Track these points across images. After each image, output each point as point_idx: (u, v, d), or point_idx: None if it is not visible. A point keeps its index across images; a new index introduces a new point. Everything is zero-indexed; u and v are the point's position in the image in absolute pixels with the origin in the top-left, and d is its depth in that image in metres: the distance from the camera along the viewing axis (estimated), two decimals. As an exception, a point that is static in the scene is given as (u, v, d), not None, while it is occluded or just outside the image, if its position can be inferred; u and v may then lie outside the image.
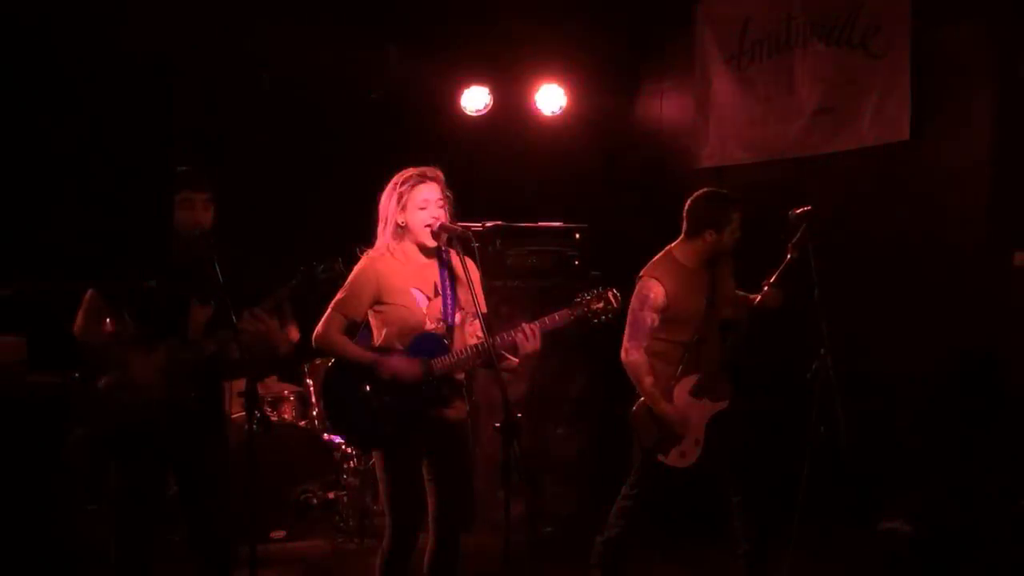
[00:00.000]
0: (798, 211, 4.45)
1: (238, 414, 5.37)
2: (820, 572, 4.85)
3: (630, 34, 7.01)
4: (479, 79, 6.90)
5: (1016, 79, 5.05)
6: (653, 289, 4.48)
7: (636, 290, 4.52)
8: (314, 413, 6.02)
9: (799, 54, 6.01)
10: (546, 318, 3.92)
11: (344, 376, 3.97)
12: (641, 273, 4.56)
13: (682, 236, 4.60)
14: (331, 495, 5.81)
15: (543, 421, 5.97)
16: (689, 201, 4.60)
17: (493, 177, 6.71)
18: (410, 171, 4.00)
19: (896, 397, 5.33)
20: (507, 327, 3.93)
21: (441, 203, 3.97)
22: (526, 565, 4.88)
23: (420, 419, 3.93)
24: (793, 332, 4.71)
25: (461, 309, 4.04)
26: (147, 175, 4.13)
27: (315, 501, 5.75)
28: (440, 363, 3.93)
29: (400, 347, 3.95)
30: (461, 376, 4.05)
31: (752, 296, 4.62)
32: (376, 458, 4.02)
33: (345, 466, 5.86)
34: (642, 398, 4.52)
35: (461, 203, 4.13)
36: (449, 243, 3.99)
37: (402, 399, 3.91)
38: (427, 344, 3.95)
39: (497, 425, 3.60)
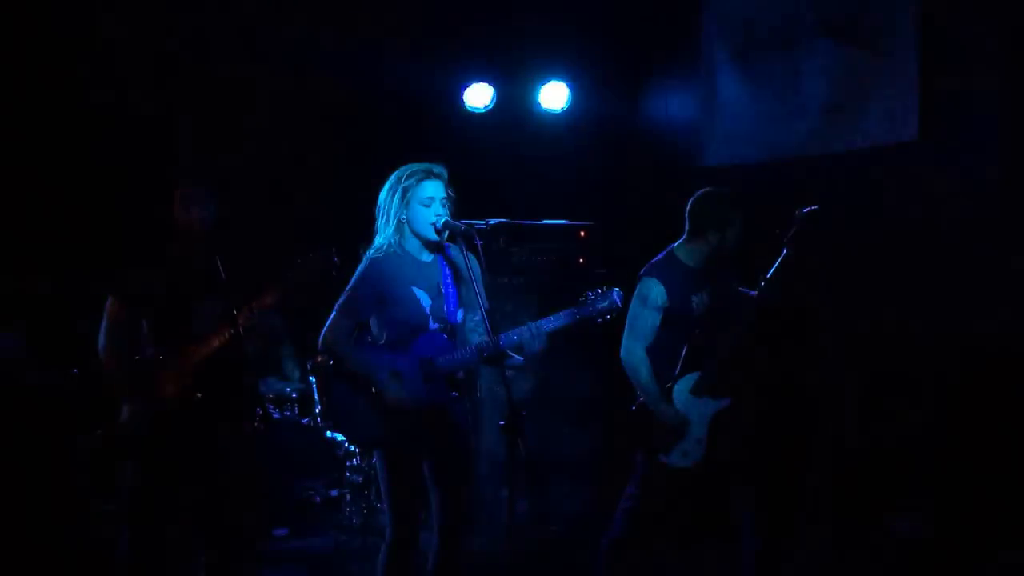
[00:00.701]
0: (805, 211, 4.41)
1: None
2: (828, 571, 4.82)
3: (635, 31, 6.98)
4: (483, 76, 6.86)
5: (1025, 77, 5.02)
6: (654, 288, 4.45)
7: (637, 288, 4.50)
8: (317, 411, 6.00)
9: (806, 51, 5.98)
10: (551, 316, 3.90)
11: (344, 377, 3.95)
12: (642, 272, 4.54)
13: (684, 236, 4.57)
14: (334, 492, 5.80)
15: (549, 420, 5.94)
16: (691, 201, 4.57)
17: (497, 175, 6.69)
18: (414, 166, 3.96)
19: (905, 396, 5.29)
20: (512, 326, 3.91)
21: (445, 201, 3.94)
22: (532, 565, 4.86)
23: (421, 418, 3.90)
24: (800, 331, 4.68)
25: (464, 307, 4.01)
26: (150, 171, 4.12)
27: (318, 499, 5.74)
28: (444, 363, 3.90)
29: (403, 346, 3.92)
30: (462, 375, 4.03)
31: (752, 293, 4.59)
32: (377, 457, 4.00)
33: (348, 463, 5.85)
34: (642, 398, 4.50)
35: (465, 201, 4.10)
36: (453, 240, 3.96)
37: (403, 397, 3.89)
38: (431, 344, 3.93)
39: (502, 424, 3.58)
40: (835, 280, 4.31)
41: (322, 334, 3.95)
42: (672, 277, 4.48)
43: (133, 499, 3.93)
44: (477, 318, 3.95)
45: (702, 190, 4.59)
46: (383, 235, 3.97)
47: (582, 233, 6.09)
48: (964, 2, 5.28)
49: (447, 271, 4.00)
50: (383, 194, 3.98)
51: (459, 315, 4.01)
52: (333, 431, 5.80)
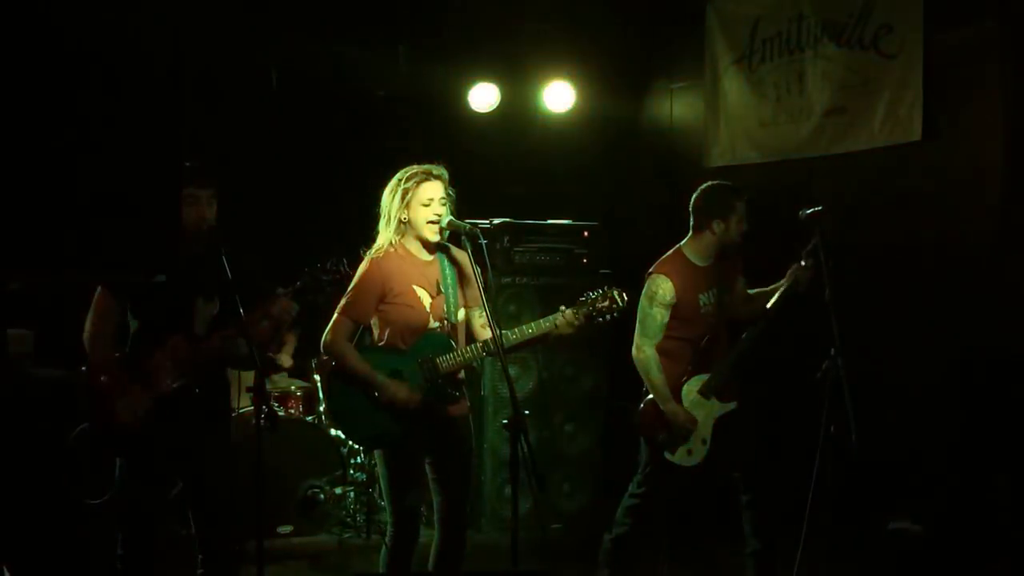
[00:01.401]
0: (809, 211, 4.42)
1: (246, 408, 5.37)
2: (830, 572, 4.82)
3: (640, 32, 7.00)
4: (487, 77, 6.88)
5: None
6: (662, 286, 4.47)
7: (646, 287, 4.52)
8: (321, 409, 6.02)
9: (810, 54, 6.00)
10: (549, 317, 3.91)
11: (348, 376, 3.97)
12: (651, 270, 4.56)
13: (691, 233, 4.60)
14: (338, 490, 5.81)
15: (552, 418, 5.96)
16: (694, 196, 4.60)
17: (501, 175, 6.70)
18: (415, 168, 3.99)
19: (907, 397, 5.30)
20: (514, 325, 3.95)
21: (444, 201, 3.96)
22: (535, 562, 4.87)
23: (422, 418, 3.92)
24: (804, 332, 4.69)
25: (465, 306, 4.03)
26: (154, 170, 4.13)
27: (322, 496, 5.75)
28: (445, 362, 3.92)
29: (404, 346, 3.94)
30: (462, 373, 4.05)
31: (769, 290, 4.61)
32: (378, 455, 4.02)
33: (352, 461, 5.87)
34: (650, 395, 4.51)
35: (469, 201, 4.12)
36: (455, 240, 3.98)
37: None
38: (432, 343, 3.95)
39: (504, 422, 3.60)
40: (838, 282, 4.31)
41: (324, 336, 3.97)
42: (680, 275, 4.50)
43: (127, 498, 3.94)
44: (482, 320, 3.98)
45: (704, 184, 4.61)
46: (384, 236, 4.00)
47: (586, 233, 6.11)
48: (967, 4, 5.29)
49: (448, 270, 4.02)
50: (384, 195, 4.01)
51: (460, 314, 4.03)
52: (337, 429, 5.81)
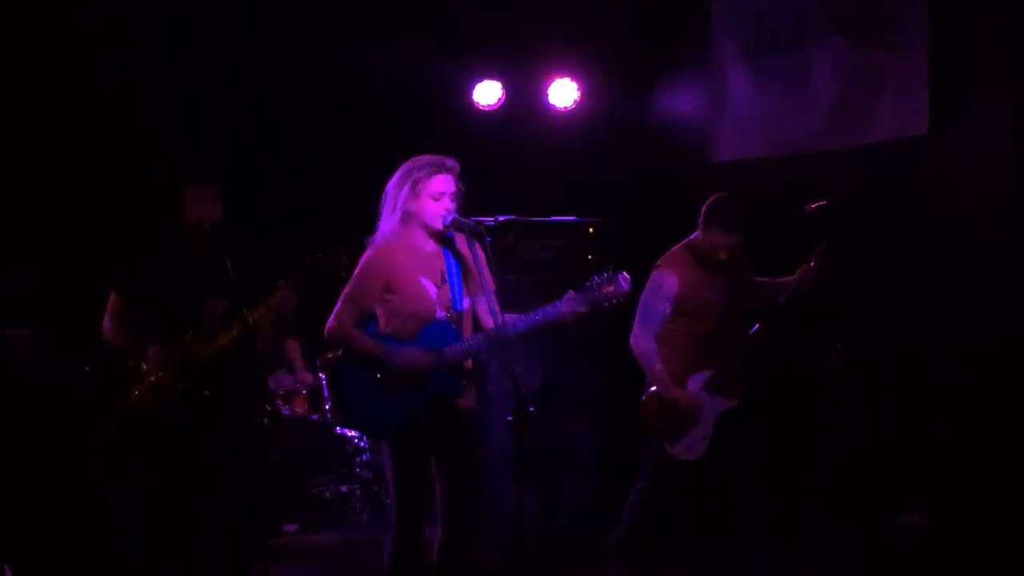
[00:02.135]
0: (813, 206, 4.41)
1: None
2: (837, 567, 4.81)
3: (644, 27, 6.96)
4: (491, 73, 6.86)
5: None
6: (667, 279, 4.49)
7: (650, 279, 4.53)
8: (327, 407, 6.01)
9: (816, 47, 5.96)
10: (555, 302, 3.89)
11: (353, 368, 3.96)
12: (658, 262, 4.57)
13: (698, 231, 4.60)
14: (344, 488, 5.81)
15: (559, 414, 5.94)
16: (706, 201, 4.59)
17: (506, 172, 6.67)
18: (426, 158, 3.96)
19: (914, 391, 5.28)
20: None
21: (455, 196, 3.94)
22: (540, 559, 4.86)
23: (430, 409, 3.91)
24: (809, 327, 4.68)
25: (469, 295, 4.02)
26: (156, 169, 4.14)
27: (328, 494, 5.75)
28: (452, 351, 3.90)
29: (410, 336, 3.92)
30: (470, 364, 4.03)
31: (778, 282, 4.59)
32: (385, 451, 4.01)
33: (357, 459, 5.86)
34: (652, 387, 4.51)
35: (474, 198, 4.10)
36: (461, 235, 3.96)
37: (413, 389, 3.89)
38: (438, 333, 3.93)
39: (509, 419, 3.58)
40: (845, 277, 4.30)
41: (327, 324, 3.96)
42: (685, 270, 4.50)
43: (141, 496, 3.94)
44: (485, 307, 3.95)
45: (716, 194, 4.59)
46: (387, 224, 3.97)
47: (591, 229, 6.08)
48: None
49: (452, 261, 4.00)
50: (392, 183, 3.98)
51: (465, 303, 4.01)
52: (343, 427, 5.81)
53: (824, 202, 4.36)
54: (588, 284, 3.89)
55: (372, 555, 5.37)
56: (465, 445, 4.02)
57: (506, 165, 6.76)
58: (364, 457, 5.86)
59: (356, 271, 3.97)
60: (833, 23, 5.86)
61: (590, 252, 6.05)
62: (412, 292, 3.93)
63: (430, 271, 3.97)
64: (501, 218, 5.91)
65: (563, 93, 6.91)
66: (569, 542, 5.55)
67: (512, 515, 3.70)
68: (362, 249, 4.00)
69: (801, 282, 4.48)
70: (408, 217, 3.95)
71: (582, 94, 6.93)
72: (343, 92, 6.63)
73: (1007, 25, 5.09)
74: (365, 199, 4.17)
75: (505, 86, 6.89)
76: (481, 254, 3.90)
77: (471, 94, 6.87)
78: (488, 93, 6.87)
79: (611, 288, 3.86)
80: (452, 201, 3.93)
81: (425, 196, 3.91)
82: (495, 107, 6.91)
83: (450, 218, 3.90)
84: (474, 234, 3.85)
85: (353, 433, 5.69)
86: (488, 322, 3.94)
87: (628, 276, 3.90)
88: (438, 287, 3.97)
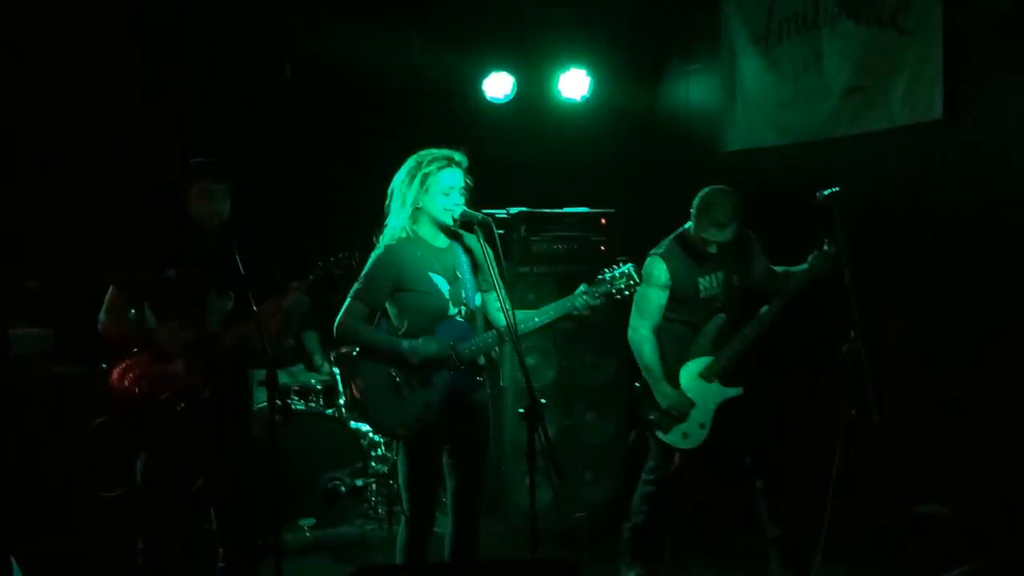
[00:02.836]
0: (825, 192, 4.38)
1: (260, 404, 5.37)
2: (856, 557, 4.77)
3: (655, 16, 6.93)
4: (502, 65, 6.84)
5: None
6: (656, 267, 4.54)
7: (643, 268, 4.53)
8: (341, 401, 6.02)
9: (827, 33, 5.90)
10: (569, 297, 3.91)
11: (369, 364, 3.96)
12: (649, 252, 4.58)
13: (691, 221, 4.61)
14: (359, 482, 5.82)
15: (573, 406, 5.93)
16: (699, 193, 4.60)
17: (518, 164, 6.67)
18: (435, 152, 3.95)
19: (934, 380, 5.23)
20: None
21: (464, 191, 3.94)
22: (558, 552, 4.86)
23: (444, 406, 3.91)
24: (825, 316, 4.64)
25: (481, 290, 4.01)
26: (166, 166, 4.15)
27: (343, 489, 5.75)
28: (466, 347, 3.90)
29: (424, 333, 3.93)
30: (483, 360, 4.03)
31: (796, 270, 4.57)
32: (398, 444, 4.02)
33: (373, 453, 5.87)
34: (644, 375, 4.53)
35: (486, 190, 4.10)
36: (469, 228, 3.95)
37: (427, 387, 3.89)
38: (452, 329, 3.93)
39: (521, 411, 3.58)
40: (860, 264, 4.27)
41: (337, 320, 3.96)
42: (676, 257, 4.52)
43: (144, 494, 3.96)
44: (497, 305, 3.95)
45: (709, 187, 4.58)
46: (397, 220, 3.97)
47: (603, 220, 6.06)
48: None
49: (463, 256, 4.00)
50: (400, 177, 3.97)
51: (478, 299, 4.00)
52: (358, 421, 5.82)
53: (836, 189, 4.33)
54: (600, 277, 3.93)
55: (388, 549, 5.39)
56: (477, 440, 4.04)
57: (518, 157, 6.75)
58: (379, 451, 5.87)
59: (366, 269, 3.97)
60: (845, 8, 5.80)
61: (603, 243, 6.03)
62: (424, 289, 3.93)
63: (442, 267, 3.96)
64: (513, 211, 5.90)
65: (574, 84, 6.89)
66: (587, 535, 5.54)
67: (526, 507, 3.70)
68: (372, 247, 4.00)
69: (813, 268, 4.46)
70: (418, 213, 3.95)
71: (593, 85, 6.90)
72: (353, 87, 6.62)
73: (1022, 8, 5.03)
74: (377, 193, 4.17)
75: (516, 79, 6.86)
76: (492, 248, 3.89)
77: (482, 87, 6.86)
78: (499, 86, 6.85)
79: (622, 278, 3.89)
80: (461, 195, 3.93)
81: (435, 191, 3.91)
82: (506, 100, 6.89)
83: (458, 211, 3.90)
84: (483, 227, 3.84)
85: (368, 428, 5.70)
86: (500, 318, 3.93)
87: (634, 265, 3.96)
88: (451, 283, 3.97)
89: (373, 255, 3.97)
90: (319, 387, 6.21)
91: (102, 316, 4.06)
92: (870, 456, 4.50)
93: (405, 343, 3.87)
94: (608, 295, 3.90)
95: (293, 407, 5.77)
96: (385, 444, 5.80)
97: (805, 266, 4.51)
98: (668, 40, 7.07)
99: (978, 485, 4.94)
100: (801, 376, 5.37)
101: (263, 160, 6.06)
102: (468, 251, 4.02)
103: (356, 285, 3.97)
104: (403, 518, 4.02)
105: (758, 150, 6.35)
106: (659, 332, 4.56)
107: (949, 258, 5.25)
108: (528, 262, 5.86)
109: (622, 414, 6.03)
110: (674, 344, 4.55)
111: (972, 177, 5.23)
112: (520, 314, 3.84)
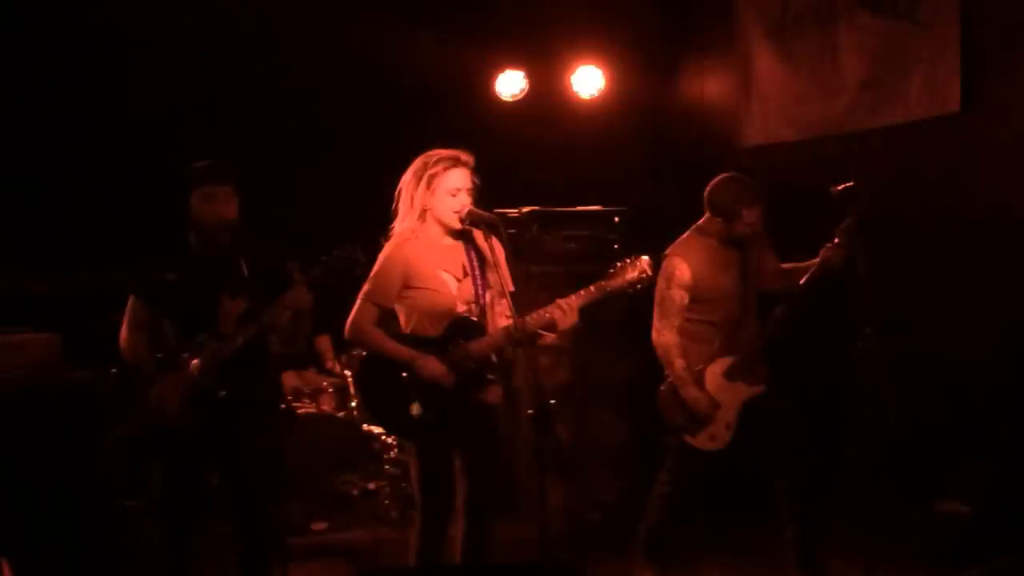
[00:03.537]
0: (840, 187, 4.32)
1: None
2: (876, 555, 4.71)
3: (668, 11, 6.88)
4: (514, 63, 6.79)
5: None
6: (678, 267, 4.44)
7: (662, 269, 4.47)
8: (353, 404, 6.00)
9: (843, 25, 5.84)
10: (581, 291, 3.85)
11: (379, 367, 3.93)
12: (667, 251, 4.51)
13: (705, 216, 4.54)
14: (372, 485, 5.81)
15: (588, 407, 5.88)
16: (709, 185, 4.50)
17: (531, 162, 6.63)
18: (441, 153, 3.92)
19: (949, 375, 5.16)
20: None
21: (471, 191, 3.90)
22: (573, 554, 4.83)
23: (456, 405, 3.87)
24: (840, 312, 4.58)
25: (491, 289, 3.98)
26: (171, 168, 4.13)
27: (356, 492, 5.74)
28: (476, 346, 3.87)
29: (432, 332, 3.90)
30: (495, 359, 3.99)
31: (804, 266, 4.51)
32: (410, 444, 3.98)
33: (385, 456, 5.85)
34: (670, 378, 4.46)
35: (498, 189, 4.06)
36: (478, 228, 3.92)
37: (438, 390, 3.86)
38: (461, 328, 3.90)
39: (531, 412, 3.54)
40: (877, 259, 4.21)
41: (348, 323, 3.94)
42: (696, 256, 4.45)
43: (163, 496, 3.95)
44: (505, 302, 3.91)
45: (720, 175, 4.52)
46: (406, 221, 3.94)
47: (617, 219, 6.01)
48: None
49: (471, 253, 3.97)
50: (407, 178, 3.95)
51: (487, 298, 3.97)
52: (370, 424, 5.80)
53: (852, 183, 4.27)
54: (611, 271, 3.89)
55: (402, 551, 5.36)
56: (489, 441, 4.01)
57: (531, 156, 6.71)
58: (392, 454, 5.84)
59: (374, 269, 3.94)
60: (861, 1, 5.74)
61: (617, 241, 5.97)
62: (432, 287, 3.91)
63: (451, 265, 3.94)
64: (526, 209, 5.86)
65: (587, 81, 6.84)
66: (602, 536, 5.49)
67: (539, 508, 3.66)
68: (379, 246, 3.97)
69: (825, 261, 4.39)
70: (425, 214, 3.92)
71: (607, 81, 6.85)
72: (364, 85, 6.60)
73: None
74: (387, 193, 4.14)
75: (528, 76, 6.82)
76: (499, 248, 3.85)
77: (494, 85, 6.81)
78: (511, 84, 6.81)
79: (634, 274, 3.86)
80: (469, 195, 3.89)
81: (442, 192, 3.89)
82: (519, 98, 6.84)
83: (466, 211, 3.87)
84: (491, 226, 3.81)
85: (380, 430, 5.68)
86: (505, 320, 3.90)
87: (650, 259, 3.90)
88: (459, 281, 3.94)
89: (381, 255, 3.96)
90: (331, 390, 6.19)
91: (124, 333, 4.04)
92: (888, 453, 4.45)
93: (411, 356, 3.83)
94: (620, 289, 3.84)
95: (299, 411, 5.75)
96: (398, 446, 5.77)
97: (817, 259, 4.43)
98: (682, 34, 7.02)
99: (999, 483, 4.86)
100: (816, 373, 5.30)
101: (271, 156, 6.03)
102: (477, 249, 3.98)
103: (366, 286, 3.95)
104: (418, 519, 3.99)
105: (775, 145, 6.28)
106: (682, 332, 4.48)
107: (967, 251, 5.19)
108: (540, 261, 5.81)
109: (638, 413, 5.98)
110: (697, 344, 4.47)
111: (990, 169, 5.16)
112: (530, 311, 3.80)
